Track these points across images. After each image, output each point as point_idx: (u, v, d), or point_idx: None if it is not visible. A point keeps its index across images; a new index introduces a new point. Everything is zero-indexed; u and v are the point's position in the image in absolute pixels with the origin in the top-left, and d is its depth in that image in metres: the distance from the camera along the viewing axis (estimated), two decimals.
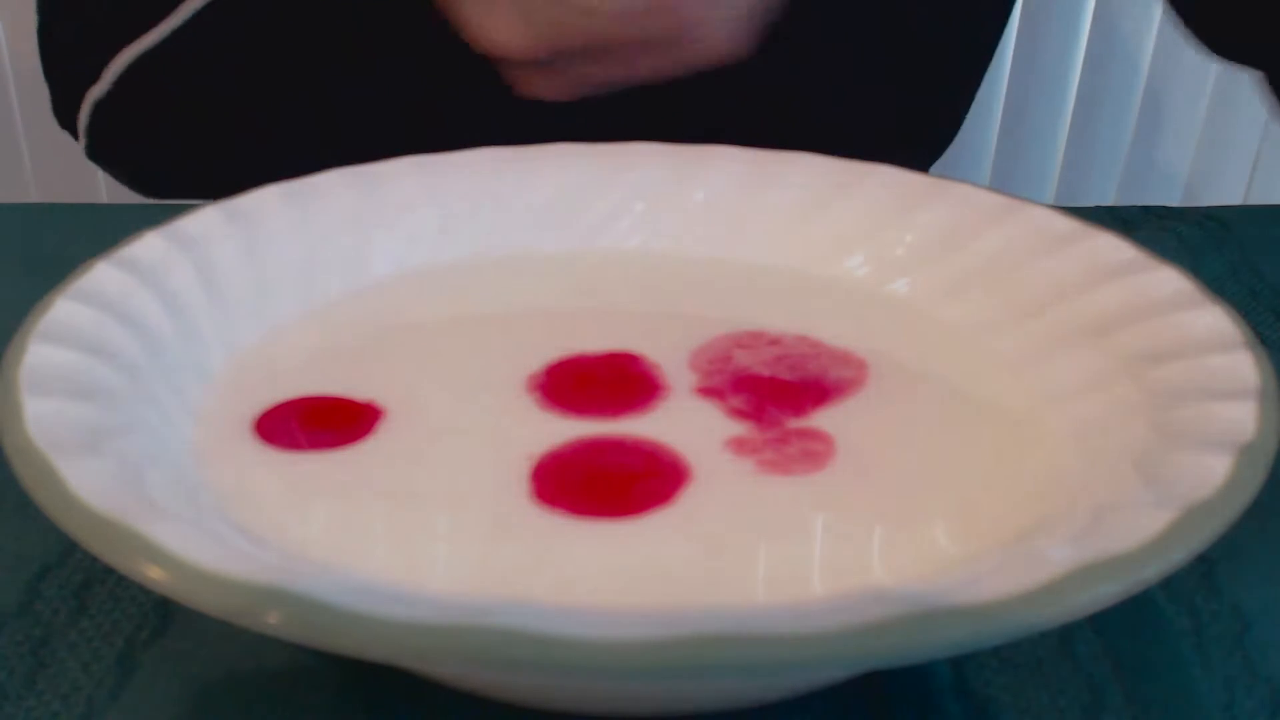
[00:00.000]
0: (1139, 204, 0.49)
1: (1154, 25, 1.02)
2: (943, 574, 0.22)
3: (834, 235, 0.34)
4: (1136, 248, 0.30)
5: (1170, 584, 0.27)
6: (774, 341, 0.30)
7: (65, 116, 0.55)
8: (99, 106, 0.53)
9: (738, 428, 0.27)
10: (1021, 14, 0.97)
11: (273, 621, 0.18)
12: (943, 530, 0.24)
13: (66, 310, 0.26)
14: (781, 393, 0.28)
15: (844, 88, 0.55)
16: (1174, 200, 1.09)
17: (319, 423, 0.27)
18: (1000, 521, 0.24)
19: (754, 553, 0.23)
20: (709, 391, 0.28)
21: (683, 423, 0.27)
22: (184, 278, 0.29)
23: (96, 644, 0.25)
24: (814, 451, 0.26)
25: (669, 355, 0.30)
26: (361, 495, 0.25)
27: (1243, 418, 0.23)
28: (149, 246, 0.29)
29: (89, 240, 0.39)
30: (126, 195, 0.65)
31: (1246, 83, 0.52)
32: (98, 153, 0.57)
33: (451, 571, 0.23)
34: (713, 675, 0.17)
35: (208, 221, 0.31)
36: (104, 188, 1.00)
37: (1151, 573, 0.19)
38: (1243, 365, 0.24)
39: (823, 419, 0.27)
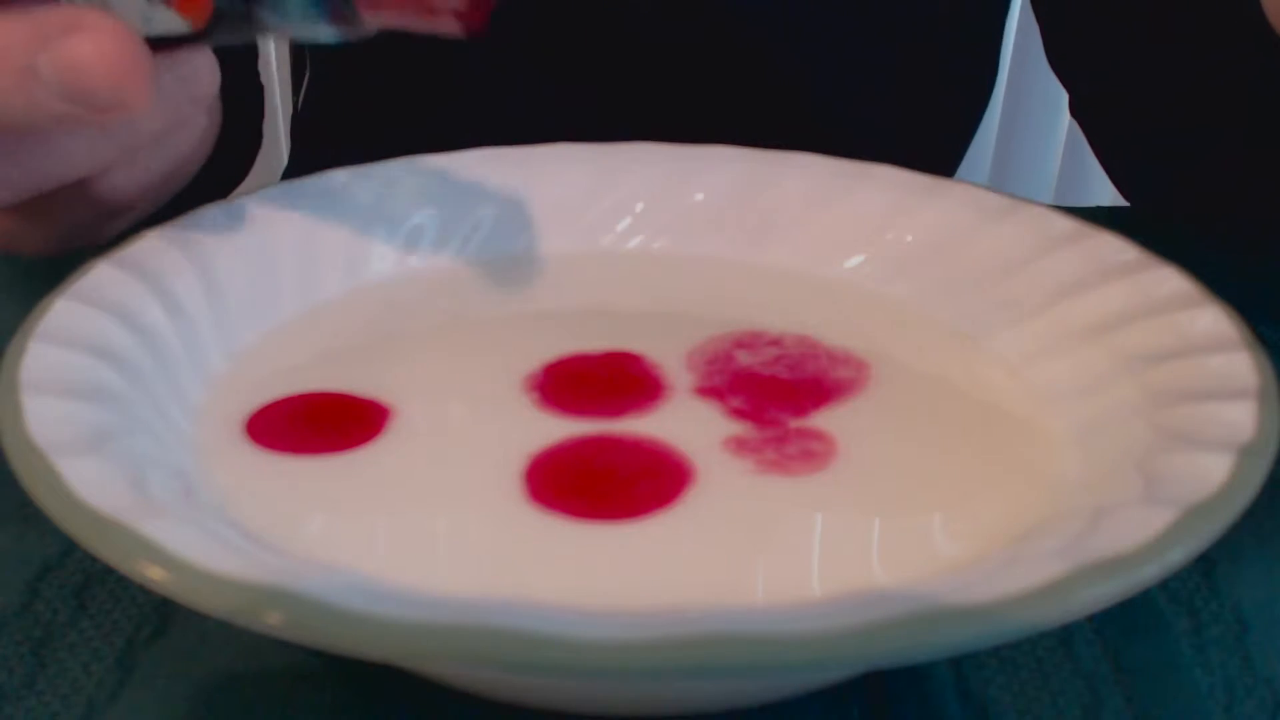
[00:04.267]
0: None
1: None
2: (943, 574, 0.22)
3: (834, 235, 0.34)
4: (1136, 248, 0.30)
5: (1170, 584, 0.27)
6: (774, 341, 0.30)
7: None
8: None
9: (738, 428, 0.27)
10: (1021, 14, 0.97)
11: (273, 621, 0.18)
12: (943, 530, 0.24)
13: (66, 310, 0.26)
14: (781, 393, 0.28)
15: (855, 89, 0.55)
16: None
17: (317, 423, 0.27)
18: (1000, 521, 0.24)
19: (754, 552, 0.23)
20: (709, 391, 0.28)
21: (682, 423, 0.27)
22: (184, 278, 0.29)
23: (96, 644, 0.25)
24: (814, 451, 0.26)
25: (669, 355, 0.30)
26: (361, 495, 0.25)
27: (1242, 418, 0.23)
28: (149, 246, 0.29)
29: None
30: None
31: None
32: None
33: (451, 572, 0.23)
34: (713, 675, 0.17)
35: (208, 221, 0.31)
36: None
37: (1151, 573, 0.19)
38: (1242, 365, 0.24)
39: (823, 419, 0.27)
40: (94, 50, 0.25)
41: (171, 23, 0.26)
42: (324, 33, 0.26)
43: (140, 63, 0.25)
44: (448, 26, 0.26)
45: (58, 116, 0.25)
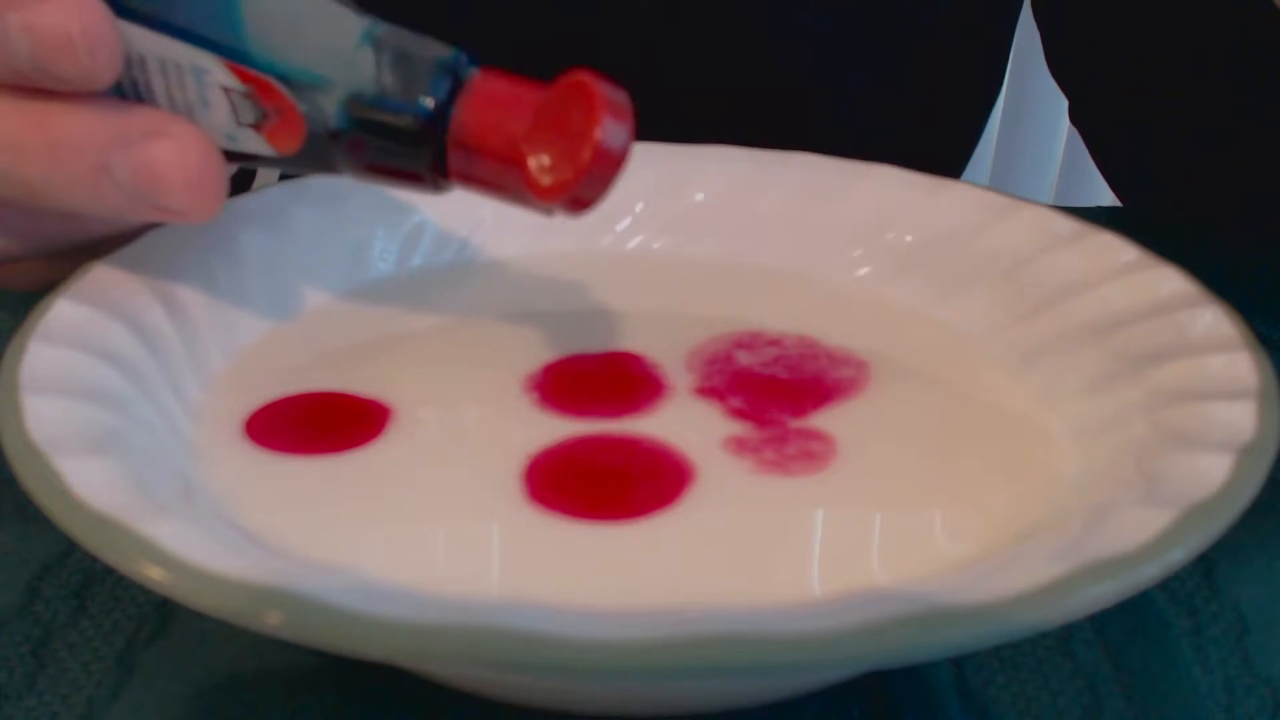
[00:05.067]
0: None
1: None
2: (943, 574, 0.22)
3: (834, 235, 0.34)
4: (1136, 248, 0.30)
5: (1170, 584, 0.27)
6: (774, 341, 0.30)
7: None
8: None
9: (738, 428, 0.27)
10: (1023, 15, 0.97)
11: (273, 621, 0.18)
12: (943, 530, 0.24)
13: (66, 310, 0.26)
14: (781, 393, 0.28)
15: (857, 90, 0.55)
16: None
17: (317, 423, 0.27)
18: (1000, 521, 0.24)
19: (754, 552, 0.23)
20: (709, 392, 0.28)
21: (682, 423, 0.27)
22: (184, 277, 0.29)
23: (96, 644, 0.25)
24: (814, 451, 0.26)
25: (668, 355, 0.30)
26: (361, 495, 0.25)
27: (1242, 418, 0.23)
28: (149, 246, 0.29)
29: None
30: None
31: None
32: None
33: (451, 572, 0.23)
34: (713, 675, 0.17)
35: (208, 221, 0.31)
36: None
37: (1151, 573, 0.19)
38: (1242, 365, 0.24)
39: (823, 419, 0.27)
40: (174, 158, 0.25)
41: (257, 147, 0.26)
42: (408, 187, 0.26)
43: (217, 176, 0.25)
44: (537, 208, 0.26)
45: (119, 211, 0.25)
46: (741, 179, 0.35)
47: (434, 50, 0.25)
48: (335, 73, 0.25)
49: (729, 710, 0.23)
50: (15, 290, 0.33)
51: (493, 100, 0.25)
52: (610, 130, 0.24)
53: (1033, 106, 1.04)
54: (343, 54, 0.25)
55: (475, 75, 0.25)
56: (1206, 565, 0.27)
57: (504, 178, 0.25)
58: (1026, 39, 0.58)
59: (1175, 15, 0.46)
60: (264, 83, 0.25)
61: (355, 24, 0.25)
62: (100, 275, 0.27)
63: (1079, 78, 0.53)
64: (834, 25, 0.53)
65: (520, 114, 0.25)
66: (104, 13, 0.24)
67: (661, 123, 0.40)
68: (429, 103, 0.25)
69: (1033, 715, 0.24)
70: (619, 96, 0.25)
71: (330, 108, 0.25)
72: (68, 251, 0.30)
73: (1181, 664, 0.25)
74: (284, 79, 0.25)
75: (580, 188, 0.24)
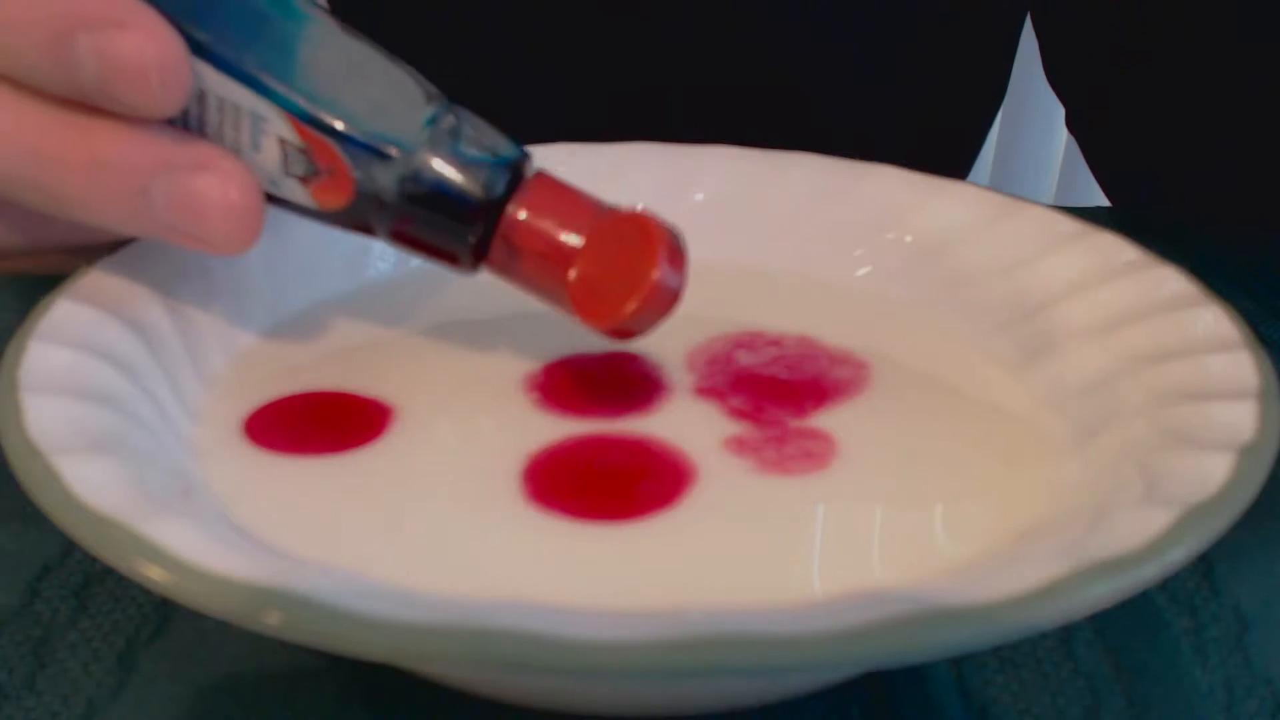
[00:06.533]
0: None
1: None
2: (943, 574, 0.22)
3: (834, 235, 0.34)
4: (1137, 248, 0.30)
5: (1170, 584, 0.27)
6: (774, 342, 0.30)
7: None
8: None
9: (738, 428, 0.27)
10: (1025, 17, 0.97)
11: (273, 621, 0.18)
12: (943, 531, 0.24)
13: (66, 310, 0.26)
14: (781, 393, 0.28)
15: (859, 92, 0.55)
16: None
17: (317, 423, 0.27)
18: (1001, 521, 0.24)
19: (754, 552, 0.23)
20: (709, 392, 0.28)
21: (682, 423, 0.27)
22: (184, 277, 0.29)
23: (96, 644, 0.25)
24: (814, 451, 0.26)
25: (669, 355, 0.30)
26: (361, 495, 0.25)
27: (1243, 418, 0.23)
28: (150, 246, 0.29)
29: None
30: None
31: None
32: None
33: (451, 572, 0.23)
34: (713, 675, 0.17)
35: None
36: None
37: (1151, 573, 0.19)
38: (1243, 365, 0.24)
39: (823, 419, 0.27)
40: (218, 194, 0.25)
41: (299, 197, 0.26)
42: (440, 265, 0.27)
43: (256, 216, 0.25)
44: (572, 316, 0.26)
45: (150, 234, 0.25)
46: (742, 179, 0.35)
47: (497, 143, 0.26)
48: (397, 149, 0.25)
49: (729, 710, 0.23)
50: None
51: (550, 207, 0.26)
52: (667, 273, 0.25)
53: (1033, 107, 1.04)
54: (407, 132, 0.25)
55: (534, 175, 0.26)
56: (1206, 565, 0.27)
57: (545, 282, 0.26)
58: (1028, 40, 0.58)
59: (1173, 24, 0.46)
60: (323, 144, 0.25)
61: (424, 103, 0.25)
62: (100, 275, 0.27)
63: (1076, 87, 0.53)
64: (835, 25, 0.53)
65: (575, 229, 0.25)
66: (180, 47, 0.23)
67: (661, 123, 0.40)
68: (485, 195, 0.25)
69: (1033, 715, 0.24)
70: (677, 240, 0.25)
71: (385, 181, 0.25)
72: (65, 247, 0.30)
73: (1181, 664, 0.25)
74: (344, 144, 0.25)
75: (627, 323, 0.25)
